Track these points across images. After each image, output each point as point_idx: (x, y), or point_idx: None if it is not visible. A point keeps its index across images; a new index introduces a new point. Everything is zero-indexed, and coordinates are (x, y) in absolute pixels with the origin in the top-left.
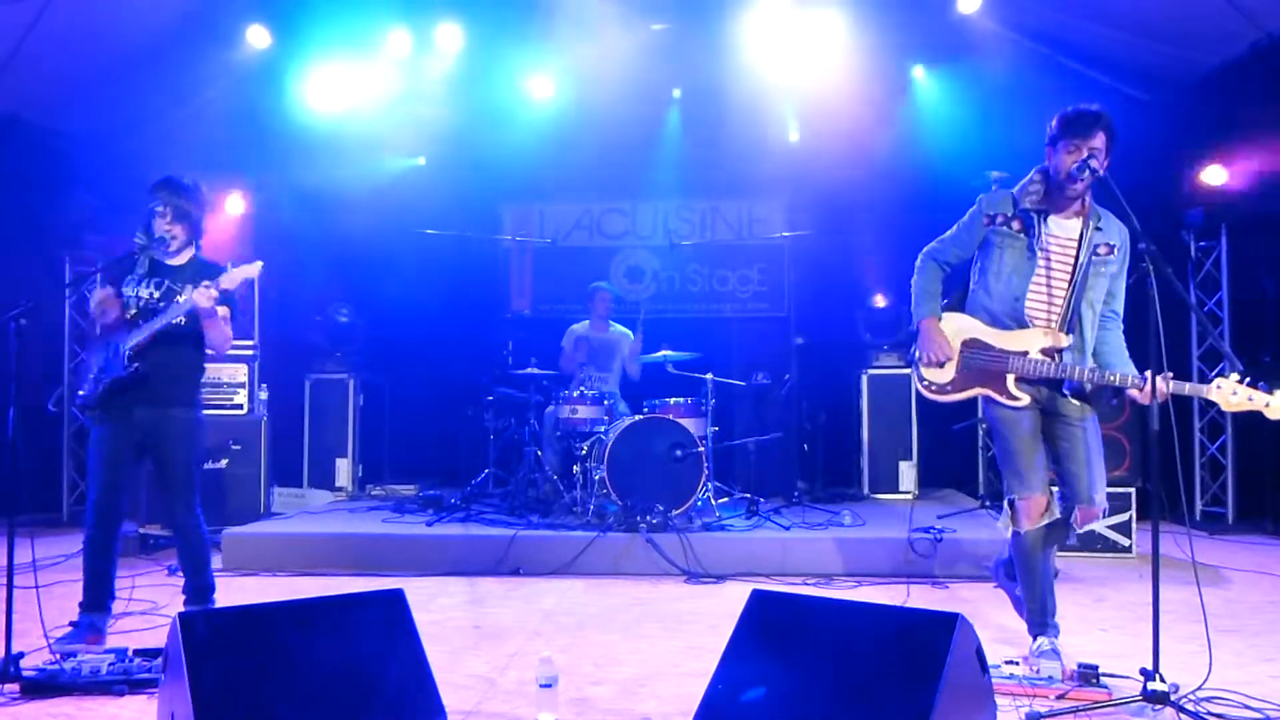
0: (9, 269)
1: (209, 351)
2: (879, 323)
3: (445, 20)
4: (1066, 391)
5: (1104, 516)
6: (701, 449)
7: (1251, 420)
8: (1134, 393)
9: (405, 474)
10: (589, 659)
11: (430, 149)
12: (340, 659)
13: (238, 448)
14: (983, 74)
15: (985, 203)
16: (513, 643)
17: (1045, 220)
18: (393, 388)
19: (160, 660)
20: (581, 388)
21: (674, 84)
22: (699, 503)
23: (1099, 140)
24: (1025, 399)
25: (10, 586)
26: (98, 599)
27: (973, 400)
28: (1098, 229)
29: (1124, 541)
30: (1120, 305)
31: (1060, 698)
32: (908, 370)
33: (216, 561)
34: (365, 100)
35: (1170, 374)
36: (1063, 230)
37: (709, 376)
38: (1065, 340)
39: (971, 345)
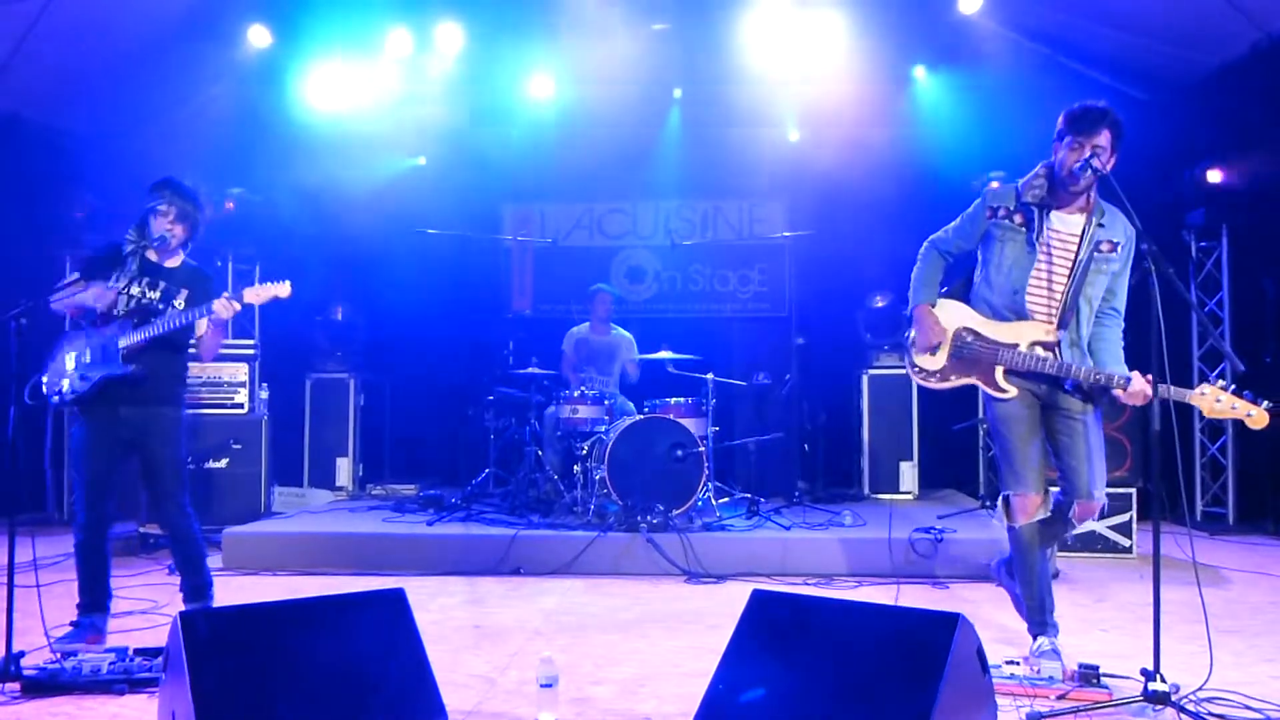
0: (9, 268)
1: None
2: (879, 323)
3: (446, 20)
4: (1068, 387)
5: (1103, 514)
6: (702, 449)
7: None
8: (1117, 392)
9: (406, 473)
10: (589, 659)
11: (431, 148)
12: (341, 658)
13: (238, 447)
14: (983, 74)
15: (989, 195)
16: (513, 642)
17: (1048, 215)
18: (393, 387)
19: (161, 659)
20: (582, 388)
21: (675, 84)
22: (699, 503)
23: (1103, 138)
24: (1013, 391)
25: (11, 586)
26: (95, 600)
27: (972, 400)
28: (1100, 225)
29: (1124, 542)
30: (1120, 303)
31: (1061, 698)
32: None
33: (216, 561)
34: (366, 100)
35: (1149, 376)
36: (1065, 225)
37: (710, 376)
38: (1055, 335)
39: (964, 334)
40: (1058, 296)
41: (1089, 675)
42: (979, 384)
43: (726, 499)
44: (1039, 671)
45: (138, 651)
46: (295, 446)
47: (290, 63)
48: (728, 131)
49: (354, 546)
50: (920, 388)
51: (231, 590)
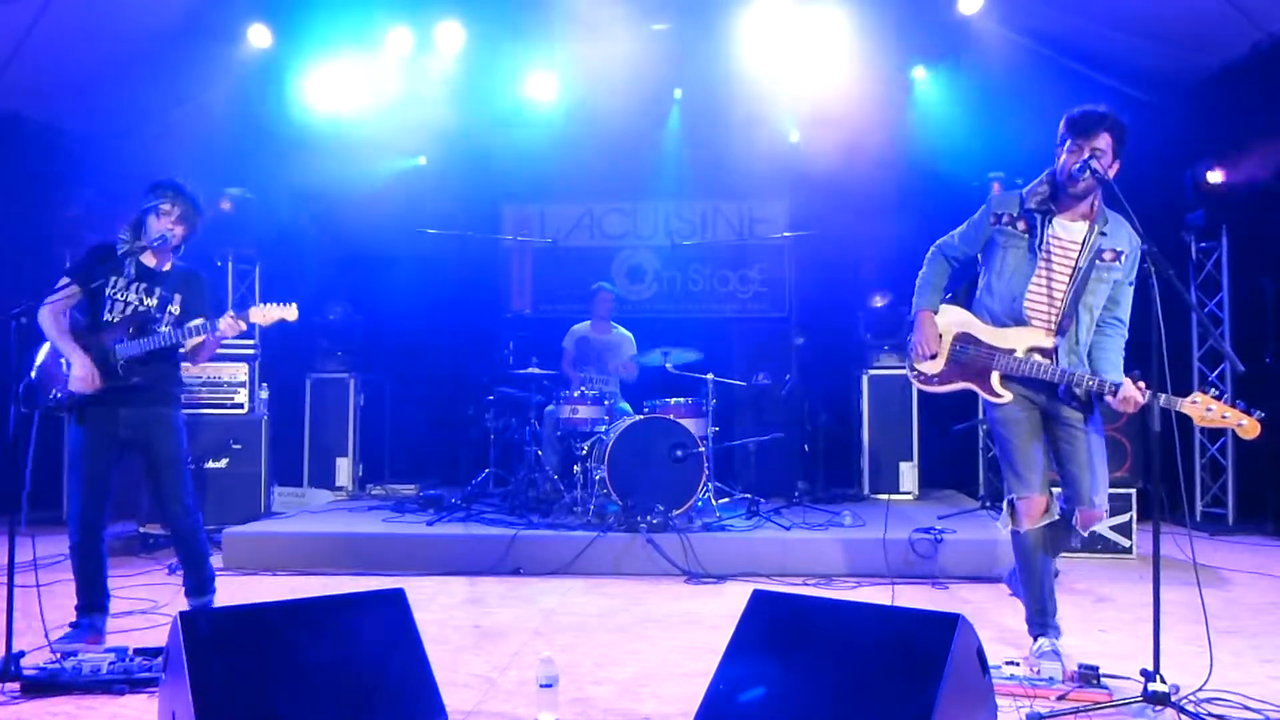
0: (9, 267)
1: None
2: (879, 323)
3: (446, 19)
4: (1061, 393)
5: (1105, 519)
6: (702, 449)
7: None
8: (1108, 399)
9: (405, 473)
10: (589, 659)
11: (431, 148)
12: (341, 658)
13: (238, 447)
14: (984, 75)
15: (994, 201)
16: (513, 642)
17: (1050, 221)
18: (393, 387)
19: (161, 659)
20: (582, 388)
21: (675, 84)
22: (699, 503)
23: (1102, 141)
24: (1008, 396)
25: (11, 585)
26: (94, 601)
27: (973, 401)
28: (1102, 233)
29: (1124, 542)
30: (1124, 314)
31: (1061, 698)
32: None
33: (216, 561)
34: (366, 99)
35: (1142, 382)
36: (1067, 232)
37: (710, 376)
38: (1053, 341)
39: (963, 340)
40: (1057, 303)
41: (1089, 676)
42: (976, 389)
43: (726, 499)
44: (1039, 672)
45: (137, 651)
46: (295, 446)
47: (290, 62)
48: (728, 131)
49: (354, 546)
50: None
51: (231, 590)
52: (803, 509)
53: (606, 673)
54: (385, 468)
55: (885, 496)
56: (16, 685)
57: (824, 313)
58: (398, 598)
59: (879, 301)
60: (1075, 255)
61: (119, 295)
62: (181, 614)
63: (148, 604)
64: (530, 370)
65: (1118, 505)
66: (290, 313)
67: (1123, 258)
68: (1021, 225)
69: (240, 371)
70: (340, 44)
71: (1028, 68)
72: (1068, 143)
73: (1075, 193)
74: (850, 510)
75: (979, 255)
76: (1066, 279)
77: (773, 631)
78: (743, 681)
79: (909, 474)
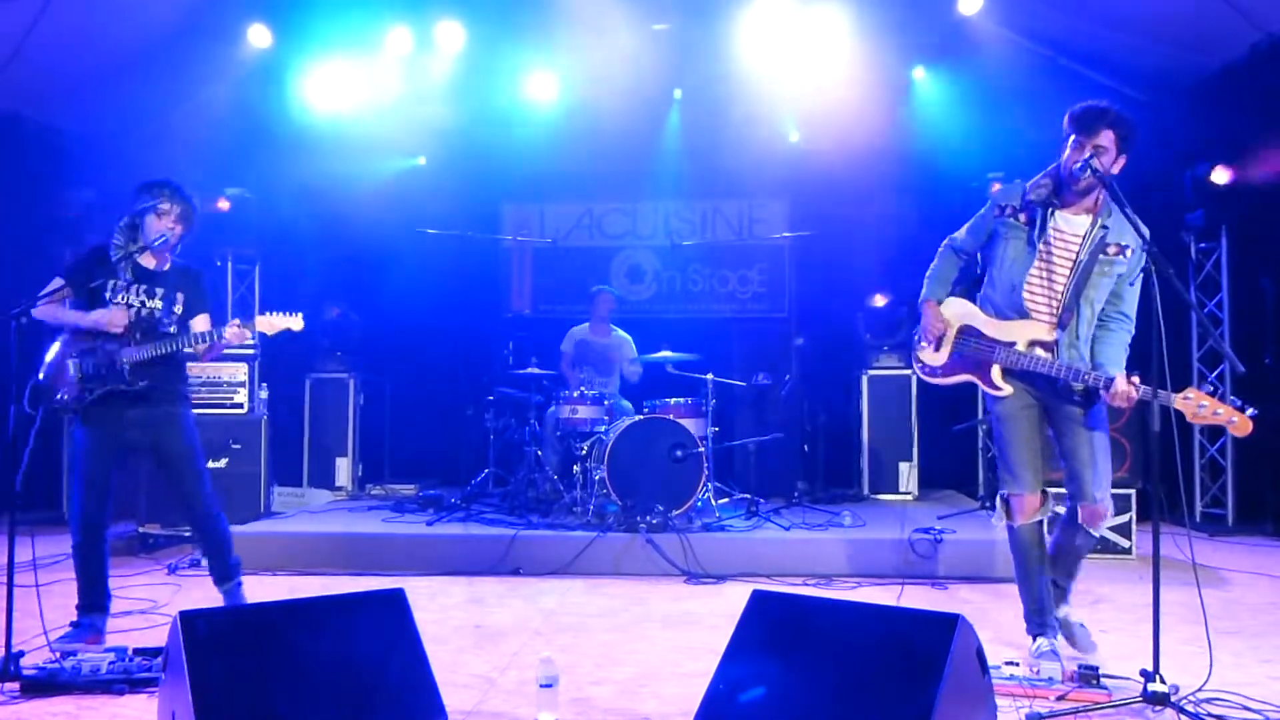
0: (9, 268)
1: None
2: (879, 323)
3: (446, 19)
4: (1059, 386)
5: (1110, 517)
6: (702, 449)
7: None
8: (1103, 393)
9: (405, 473)
10: (589, 659)
11: (431, 148)
12: (341, 658)
13: (238, 447)
14: (984, 75)
15: (998, 194)
16: (513, 642)
17: (1052, 215)
18: (393, 387)
19: (160, 659)
20: (582, 388)
21: (675, 84)
22: (699, 503)
23: (1104, 138)
24: (1008, 389)
25: (10, 585)
26: (94, 601)
27: (972, 401)
28: (1105, 227)
29: (1124, 543)
30: (1128, 309)
31: (1060, 699)
32: (908, 371)
33: None
34: (366, 99)
35: (1137, 377)
36: (1069, 226)
37: (709, 377)
38: (1054, 334)
39: (966, 332)
40: (1058, 296)
41: (1088, 676)
42: (977, 381)
43: (726, 499)
44: (1038, 672)
45: (137, 651)
46: (295, 446)
47: (290, 62)
48: (728, 131)
49: (354, 546)
50: (920, 388)
51: None
52: (802, 509)
53: (606, 673)
54: (385, 468)
55: (885, 496)
56: (16, 685)
57: (823, 313)
58: (397, 598)
59: (878, 301)
60: (1077, 248)
61: (119, 299)
62: (182, 614)
63: (148, 604)
64: (530, 370)
65: (1117, 505)
66: (296, 322)
67: (1127, 252)
68: (1023, 217)
69: (240, 371)
70: (340, 44)
71: (1027, 68)
72: (1072, 139)
73: (1076, 189)
74: (850, 510)
75: (980, 253)
76: (1067, 272)
77: (772, 631)
78: (742, 681)
79: (908, 474)
